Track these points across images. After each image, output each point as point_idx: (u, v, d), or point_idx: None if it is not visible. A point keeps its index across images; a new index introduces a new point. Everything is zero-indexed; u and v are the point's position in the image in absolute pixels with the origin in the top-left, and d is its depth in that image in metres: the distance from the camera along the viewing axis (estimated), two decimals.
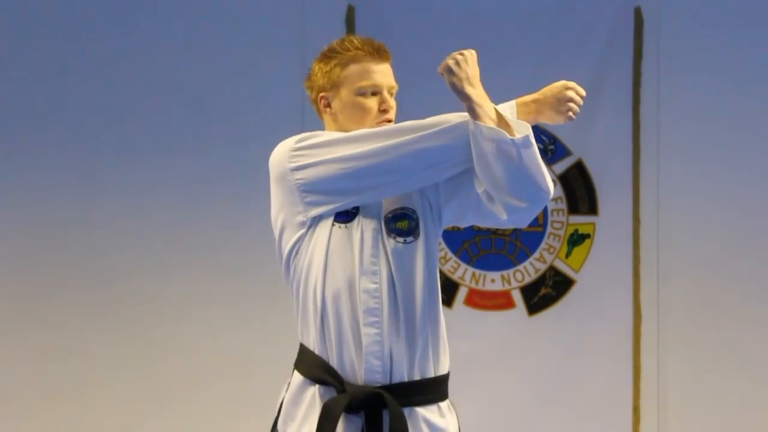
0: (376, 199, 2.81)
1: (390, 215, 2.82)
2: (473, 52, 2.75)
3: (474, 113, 2.69)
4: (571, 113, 2.79)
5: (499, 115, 2.70)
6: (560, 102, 2.79)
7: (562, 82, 2.81)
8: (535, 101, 2.82)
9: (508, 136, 2.65)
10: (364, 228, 2.79)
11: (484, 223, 2.88)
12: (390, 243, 2.79)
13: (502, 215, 2.74)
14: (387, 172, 2.76)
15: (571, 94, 2.79)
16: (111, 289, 5.10)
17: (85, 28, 5.11)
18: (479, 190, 2.76)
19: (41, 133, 5.11)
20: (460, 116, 2.75)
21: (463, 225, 2.96)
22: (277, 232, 2.85)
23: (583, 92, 2.80)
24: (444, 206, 2.86)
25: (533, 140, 2.67)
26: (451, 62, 2.72)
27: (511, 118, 2.74)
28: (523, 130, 2.67)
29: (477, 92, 2.70)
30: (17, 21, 5.11)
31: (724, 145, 5.13)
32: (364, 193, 2.79)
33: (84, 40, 5.10)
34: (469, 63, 2.72)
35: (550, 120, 2.82)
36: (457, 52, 2.73)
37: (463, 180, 2.80)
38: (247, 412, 4.95)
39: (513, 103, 2.83)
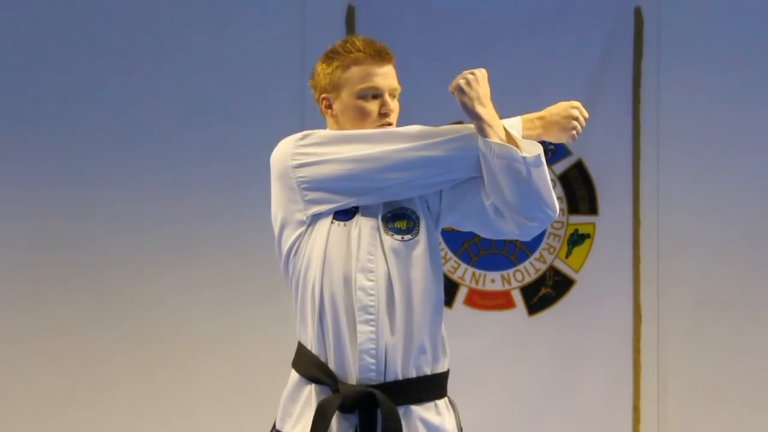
0: (377, 201, 2.81)
1: (389, 214, 2.82)
2: (484, 71, 2.76)
3: (484, 132, 2.71)
4: (575, 132, 2.82)
5: (509, 135, 2.72)
6: (566, 120, 2.81)
7: (567, 102, 2.84)
8: (540, 118, 2.84)
9: (520, 154, 2.67)
10: (362, 226, 2.79)
11: (483, 233, 2.89)
12: (388, 241, 2.79)
13: (513, 230, 2.77)
14: (390, 176, 2.76)
15: (575, 113, 2.82)
16: (112, 293, 5.09)
17: (86, 27, 5.11)
18: (487, 202, 2.77)
19: (41, 134, 5.11)
20: (470, 128, 2.76)
21: (461, 230, 2.97)
22: (276, 230, 2.85)
23: (586, 114, 2.84)
24: (444, 213, 2.87)
25: (544, 159, 2.70)
26: (462, 82, 2.74)
27: (518, 135, 2.76)
28: (533, 149, 2.69)
29: (488, 112, 2.72)
30: (20, 19, 5.11)
31: (724, 145, 5.13)
32: (365, 194, 2.79)
33: (85, 38, 5.10)
34: (480, 82, 2.74)
35: (554, 138, 2.85)
36: (468, 72, 2.75)
37: (466, 190, 2.81)
38: (247, 414, 4.95)
39: (519, 119, 2.85)
